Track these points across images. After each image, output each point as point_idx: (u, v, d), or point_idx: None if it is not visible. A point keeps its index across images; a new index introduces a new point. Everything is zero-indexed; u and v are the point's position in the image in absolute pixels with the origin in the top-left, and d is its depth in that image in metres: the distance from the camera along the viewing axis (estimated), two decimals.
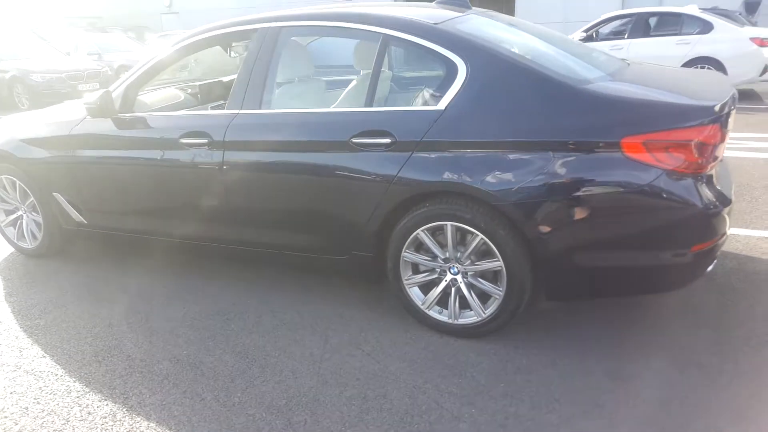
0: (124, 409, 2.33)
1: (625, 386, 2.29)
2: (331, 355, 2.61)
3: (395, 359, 2.55)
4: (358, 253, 2.77)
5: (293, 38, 3.02)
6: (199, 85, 3.86)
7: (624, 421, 2.11)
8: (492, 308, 2.54)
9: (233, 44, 3.74)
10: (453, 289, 2.62)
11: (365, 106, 2.66)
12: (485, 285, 2.54)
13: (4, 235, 3.95)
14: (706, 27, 9.42)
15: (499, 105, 2.39)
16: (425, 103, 2.58)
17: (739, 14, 11.36)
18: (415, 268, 2.71)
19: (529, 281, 2.45)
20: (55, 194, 3.54)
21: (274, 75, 2.89)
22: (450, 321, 2.65)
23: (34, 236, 3.82)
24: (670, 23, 9.76)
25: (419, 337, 2.71)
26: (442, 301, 2.68)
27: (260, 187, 2.87)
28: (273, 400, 2.34)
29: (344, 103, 2.90)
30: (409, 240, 2.60)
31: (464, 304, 2.63)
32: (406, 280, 2.69)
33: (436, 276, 2.65)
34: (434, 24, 2.61)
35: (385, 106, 2.79)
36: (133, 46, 15.45)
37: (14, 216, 3.86)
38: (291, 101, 3.00)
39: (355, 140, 2.58)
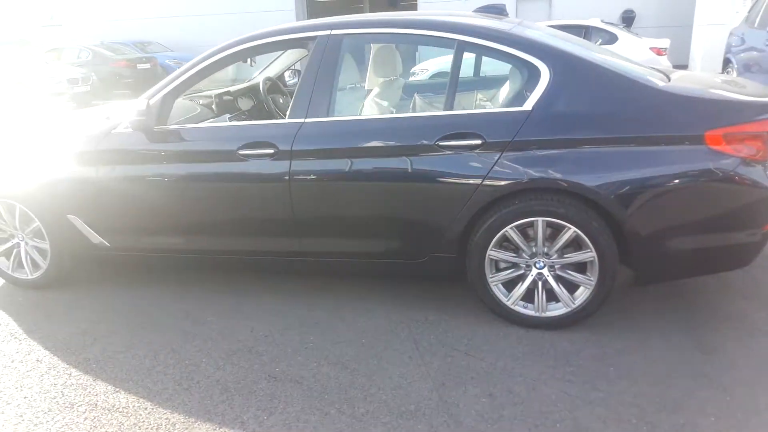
0: None
1: (719, 356, 2.52)
2: (431, 358, 2.62)
3: (497, 355, 2.62)
4: (440, 255, 2.81)
5: (359, 45, 3.01)
6: (215, 95, 3.69)
7: (735, 387, 2.33)
8: (582, 298, 2.68)
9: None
10: (540, 283, 2.73)
11: (445, 110, 2.72)
12: (576, 276, 2.67)
13: None
14: (611, 38, 10.38)
15: (585, 105, 2.55)
16: (508, 105, 2.68)
17: (620, 27, 12.60)
18: (497, 266, 2.79)
19: (617, 269, 2.62)
20: (71, 217, 3.22)
21: (339, 82, 2.85)
22: (537, 314, 2.76)
23: (35, 265, 3.44)
24: (578, 35, 10.62)
25: (508, 332, 2.79)
26: (525, 296, 2.78)
27: (333, 196, 2.82)
28: (401, 406, 2.31)
29: (420, 107, 2.93)
30: (496, 238, 2.68)
31: (548, 297, 2.75)
32: (491, 278, 2.77)
33: (521, 272, 2.75)
34: (508, 30, 2.73)
35: (465, 109, 2.85)
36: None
37: (8, 245, 3.46)
38: (360, 108, 2.98)
39: (442, 143, 2.63)
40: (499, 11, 3.26)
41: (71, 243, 3.32)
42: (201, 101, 3.79)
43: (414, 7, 27.90)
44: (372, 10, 29.75)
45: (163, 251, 3.20)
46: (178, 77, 3.03)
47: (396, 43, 3.01)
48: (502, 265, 2.78)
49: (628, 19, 16.43)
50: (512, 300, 2.77)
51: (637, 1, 16.38)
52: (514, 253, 2.72)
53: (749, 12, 8.35)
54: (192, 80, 3.04)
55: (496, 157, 2.57)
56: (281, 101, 4.25)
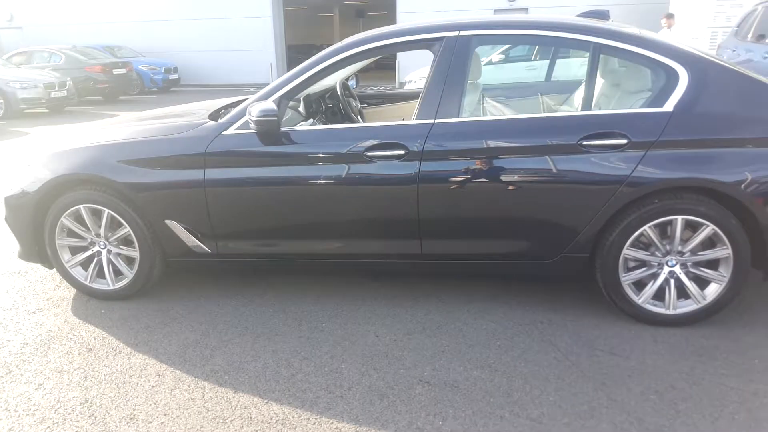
0: None
1: None
2: (577, 358, 2.61)
3: (640, 354, 2.62)
4: (572, 255, 2.81)
5: (485, 46, 2.98)
6: (303, 98, 3.57)
7: None
8: (714, 295, 2.73)
9: None
10: (672, 281, 2.77)
11: (583, 110, 2.73)
12: (709, 273, 2.72)
13: (69, 278, 3.29)
14: None
15: (723, 106, 2.61)
16: (645, 106, 2.72)
17: None
18: (627, 265, 2.80)
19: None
20: (169, 222, 3.05)
21: (468, 83, 2.83)
22: (667, 312, 2.80)
23: (118, 274, 3.24)
24: None
25: (638, 331, 2.81)
26: (654, 294, 2.81)
27: (463, 197, 2.78)
28: (574, 407, 2.28)
29: (558, 107, 2.93)
30: (632, 237, 2.70)
31: (678, 295, 2.79)
32: (624, 277, 2.78)
33: (654, 270, 2.78)
34: (642, 34, 2.78)
35: (604, 109, 2.86)
36: None
37: (87, 254, 3.24)
38: (490, 108, 2.95)
39: (585, 143, 2.64)
40: (602, 16, 3.31)
41: (165, 250, 3.14)
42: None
43: (382, 18, 28.19)
44: (341, 20, 29.87)
45: (274, 256, 3.07)
46: (294, 78, 2.94)
47: (527, 44, 3.01)
48: (631, 264, 2.80)
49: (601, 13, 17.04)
50: (643, 299, 2.80)
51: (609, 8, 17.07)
52: (650, 251, 2.75)
53: (738, 26, 8.81)
54: (310, 81, 2.95)
55: (640, 157, 2.60)
56: (354, 104, 4.18)
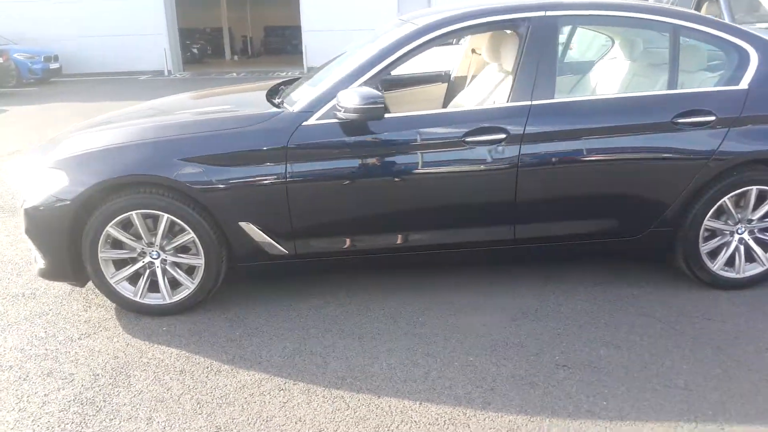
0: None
1: None
2: (681, 327, 2.73)
3: (730, 317, 2.82)
4: (658, 230, 2.93)
5: (569, 27, 2.99)
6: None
7: None
8: None
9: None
10: (741, 247, 2.99)
11: (670, 89, 2.85)
12: None
13: (114, 296, 2.88)
14: None
15: None
16: (721, 84, 2.88)
17: None
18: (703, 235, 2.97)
19: None
20: (243, 224, 2.77)
21: (558, 63, 2.83)
22: (737, 276, 3.03)
23: (175, 286, 2.89)
24: None
25: (715, 296, 3.00)
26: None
27: (561, 178, 2.81)
28: (709, 371, 2.40)
29: (642, 86, 3.00)
30: (713, 209, 2.88)
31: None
32: (702, 246, 2.96)
33: (726, 239, 2.99)
34: (711, 17, 2.94)
35: (684, 88, 2.98)
36: None
37: (137, 266, 2.85)
38: (581, 88, 2.97)
39: (678, 120, 2.76)
40: None
41: (235, 255, 2.85)
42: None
43: (269, 0, 27.34)
44: (228, 3, 28.40)
45: (359, 252, 2.90)
46: (377, 63, 2.77)
47: (609, 25, 3.07)
48: (706, 234, 2.98)
49: None
50: (717, 266, 3.00)
51: None
52: (723, 221, 2.95)
53: None
54: (394, 65, 2.80)
55: (725, 133, 2.77)
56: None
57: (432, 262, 3.11)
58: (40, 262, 2.88)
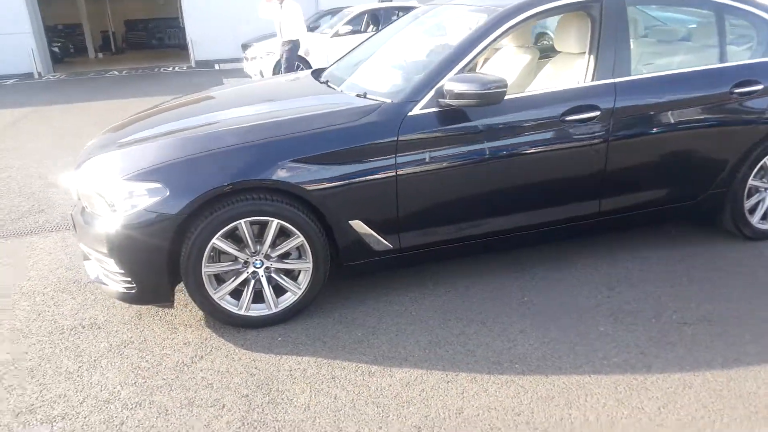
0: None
1: None
2: (754, 276, 3.06)
3: None
4: (715, 191, 3.24)
5: (636, 6, 3.15)
6: None
7: None
8: None
9: None
10: None
11: (720, 62, 3.14)
12: None
13: (217, 312, 2.68)
14: None
15: None
16: (761, 56, 3.22)
17: None
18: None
19: None
20: (354, 222, 2.68)
21: (631, 41, 3.01)
22: None
23: (278, 294, 2.74)
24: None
25: (755, 246, 3.39)
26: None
27: (641, 149, 3.02)
28: None
29: (696, 61, 3.24)
30: (756, 168, 3.25)
31: None
32: (746, 203, 3.33)
33: (762, 195, 3.38)
34: None
35: (730, 62, 3.25)
36: None
37: (242, 278, 2.66)
38: (651, 64, 3.16)
39: (734, 90, 3.07)
40: None
41: (342, 255, 2.75)
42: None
43: None
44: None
45: (460, 240, 2.92)
46: (468, 51, 2.78)
47: (673, 5, 3.30)
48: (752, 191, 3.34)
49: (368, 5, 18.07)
50: (756, 220, 3.39)
51: None
52: (762, 180, 3.32)
53: None
54: (482, 53, 2.84)
55: None
56: None
57: (523, 242, 3.19)
58: (119, 286, 2.60)
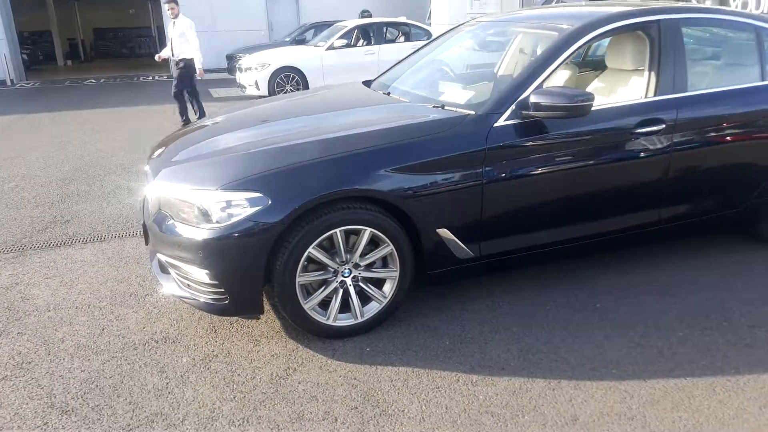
0: None
1: None
2: None
3: None
4: (757, 200, 3.40)
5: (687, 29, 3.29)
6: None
7: None
8: None
9: None
10: None
11: (761, 80, 3.32)
12: None
13: (306, 323, 2.65)
14: (428, 34, 11.72)
15: None
16: None
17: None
18: None
19: None
20: (441, 230, 2.70)
21: (686, 60, 3.15)
22: None
23: (362, 304, 2.73)
24: (402, 32, 11.69)
25: None
26: None
27: (703, 161, 3.16)
28: None
29: (741, 78, 3.40)
30: None
31: None
32: None
33: None
34: None
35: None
36: None
37: (330, 288, 2.65)
38: (701, 81, 3.30)
39: None
40: None
41: (427, 263, 2.77)
42: None
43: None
44: (56, 3, 25.16)
45: (536, 247, 2.97)
46: (546, 66, 2.87)
47: (715, 27, 3.46)
48: None
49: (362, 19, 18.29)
50: None
51: (373, 3, 18.25)
52: None
53: None
54: (558, 68, 2.93)
55: None
56: None
57: (588, 250, 3.26)
58: (206, 297, 2.56)
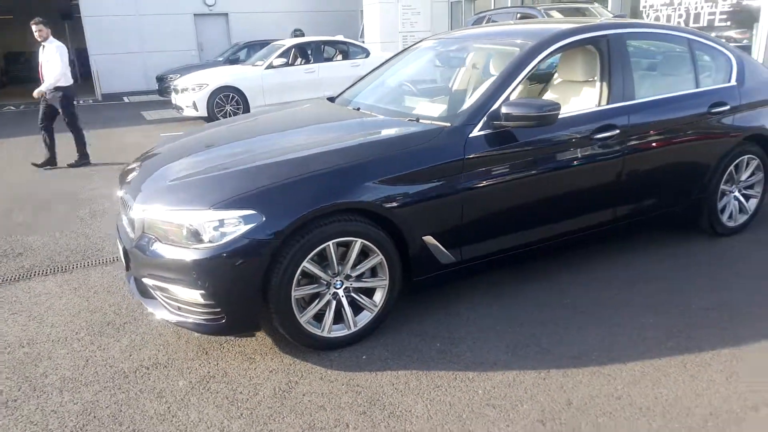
0: None
1: None
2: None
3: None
4: (696, 197, 3.77)
5: (631, 42, 3.59)
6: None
7: None
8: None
9: None
10: (736, 203, 4.00)
11: (696, 88, 3.70)
12: (752, 192, 4.05)
13: (301, 336, 2.69)
14: (365, 52, 11.94)
15: (753, 80, 3.92)
16: (720, 82, 3.82)
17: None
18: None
19: None
20: (426, 238, 2.84)
21: (632, 70, 3.46)
22: (734, 225, 4.03)
23: (355, 312, 2.81)
24: (340, 50, 11.83)
25: (725, 240, 3.97)
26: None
27: (647, 162, 3.45)
28: None
29: (676, 87, 3.75)
30: (725, 175, 3.82)
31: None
32: (719, 203, 3.89)
33: (729, 198, 3.96)
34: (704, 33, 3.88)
35: (707, 86, 3.79)
36: None
37: (324, 300, 2.71)
38: (645, 90, 3.60)
39: (711, 111, 3.63)
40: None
41: (413, 271, 2.88)
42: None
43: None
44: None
45: (512, 249, 3.16)
46: (513, 78, 3.08)
47: (658, 41, 3.79)
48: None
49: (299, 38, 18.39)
50: (725, 218, 3.97)
51: (304, 22, 18.38)
52: (728, 183, 3.91)
53: None
54: (523, 79, 3.15)
55: (735, 116, 3.72)
56: None
57: (558, 250, 3.49)
58: (199, 318, 2.57)
